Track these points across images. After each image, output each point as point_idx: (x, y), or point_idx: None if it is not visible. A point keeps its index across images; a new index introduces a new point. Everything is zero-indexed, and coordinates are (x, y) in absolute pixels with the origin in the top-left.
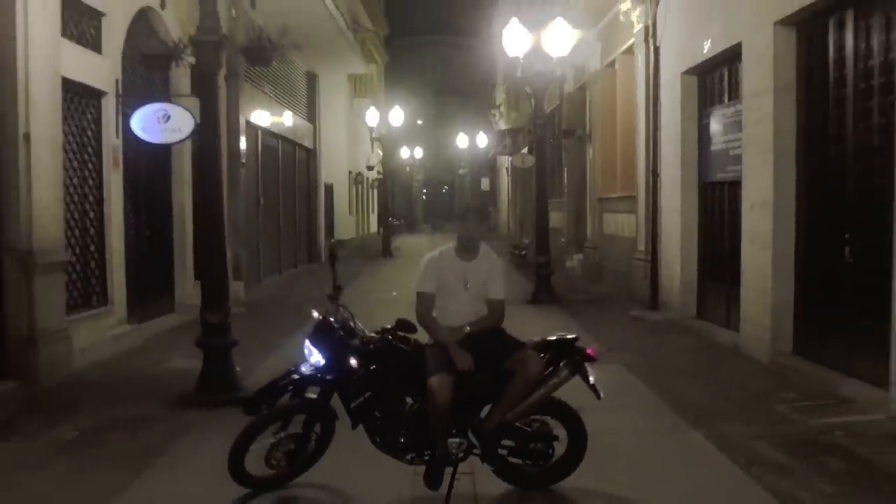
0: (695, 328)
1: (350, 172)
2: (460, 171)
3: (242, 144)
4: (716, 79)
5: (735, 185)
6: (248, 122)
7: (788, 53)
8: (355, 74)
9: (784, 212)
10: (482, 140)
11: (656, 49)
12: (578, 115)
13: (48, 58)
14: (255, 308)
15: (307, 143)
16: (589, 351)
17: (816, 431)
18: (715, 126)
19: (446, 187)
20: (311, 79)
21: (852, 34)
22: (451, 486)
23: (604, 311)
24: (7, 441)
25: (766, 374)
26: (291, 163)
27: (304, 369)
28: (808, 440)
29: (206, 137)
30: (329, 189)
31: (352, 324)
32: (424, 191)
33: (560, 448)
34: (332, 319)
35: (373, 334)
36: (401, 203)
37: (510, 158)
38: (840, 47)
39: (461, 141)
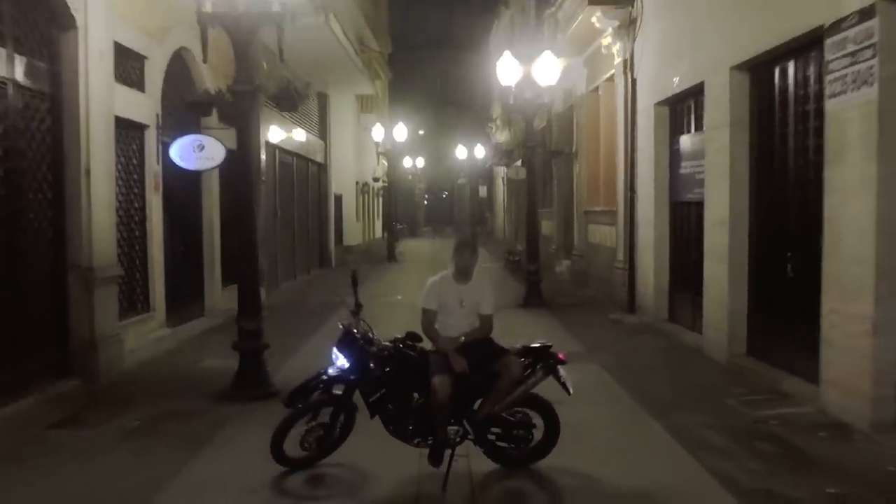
0: (665, 331)
1: (357, 182)
2: (459, 181)
3: (262, 163)
4: (684, 110)
5: (700, 205)
6: (267, 142)
7: (742, 94)
8: (362, 94)
9: (739, 231)
10: (480, 151)
11: (633, 81)
12: (567, 133)
13: (104, 101)
14: (275, 312)
15: (319, 158)
16: (560, 356)
17: (754, 421)
18: (683, 152)
19: (446, 193)
20: (323, 99)
21: (793, 81)
22: (449, 464)
23: (587, 314)
24: (78, 430)
25: (722, 372)
26: (305, 177)
27: (332, 371)
28: (748, 429)
29: (243, 169)
30: (338, 199)
31: (370, 334)
32: (426, 196)
33: (538, 434)
34: (354, 331)
35: (387, 343)
36: (404, 208)
37: (505, 169)
38: (783, 91)
39: (460, 152)
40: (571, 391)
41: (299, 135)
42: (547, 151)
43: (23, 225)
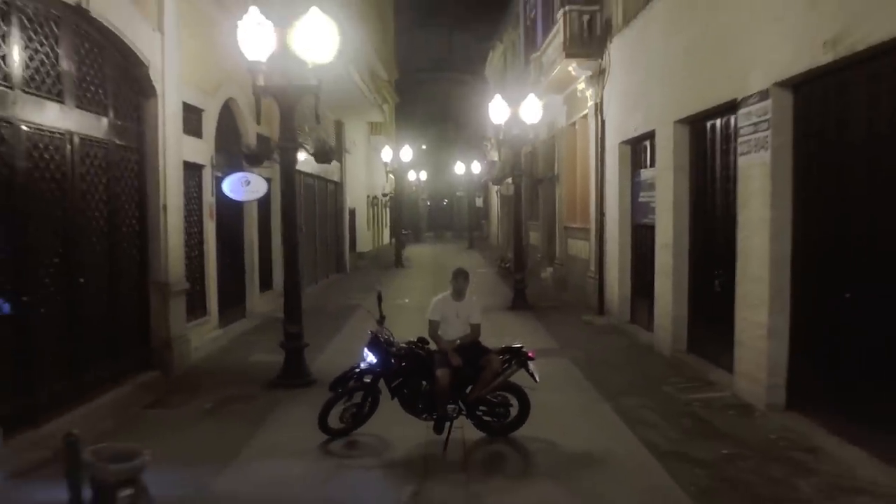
0: (627, 331)
1: (368, 196)
2: (458, 194)
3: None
4: (642, 149)
5: (653, 229)
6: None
7: (683, 143)
8: (373, 121)
9: (680, 253)
10: (476, 167)
11: (602, 122)
12: (550, 158)
13: (176, 150)
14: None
15: (335, 178)
16: (530, 354)
17: (683, 403)
18: (641, 183)
19: (446, 201)
20: (339, 126)
21: (720, 136)
22: (448, 433)
23: (564, 315)
24: (166, 410)
25: (667, 365)
26: (324, 195)
27: (363, 365)
28: (677, 409)
29: (287, 202)
30: (352, 212)
31: (391, 339)
32: (428, 203)
33: (514, 412)
34: (379, 336)
35: (403, 345)
36: (408, 215)
37: (498, 186)
38: (713, 143)
39: (459, 168)
40: (538, 379)
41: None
42: (532, 179)
43: (119, 253)
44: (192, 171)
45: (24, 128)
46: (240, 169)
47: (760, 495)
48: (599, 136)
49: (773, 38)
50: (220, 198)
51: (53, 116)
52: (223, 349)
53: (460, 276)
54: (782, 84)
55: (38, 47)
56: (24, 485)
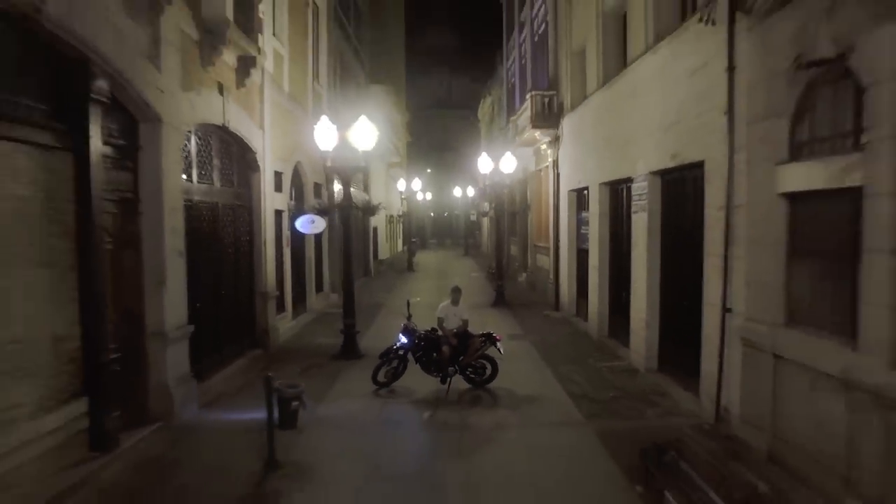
0: (573, 322)
1: (387, 215)
2: (455, 213)
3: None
4: (584, 196)
5: (587, 253)
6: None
7: (605, 198)
8: (393, 161)
9: (603, 272)
10: (470, 191)
11: (558, 174)
12: (524, 193)
13: (270, 204)
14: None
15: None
16: (497, 337)
17: (597, 369)
18: (582, 220)
19: (447, 213)
20: (366, 166)
21: (626, 196)
22: (448, 384)
23: (531, 311)
24: (273, 373)
25: (594, 345)
26: (357, 220)
27: (398, 344)
28: (591, 372)
29: (346, 239)
30: (375, 230)
31: (415, 328)
32: (432, 213)
33: (489, 372)
34: (408, 326)
35: (422, 331)
36: (417, 225)
37: (488, 206)
38: (621, 200)
39: (457, 192)
40: (502, 352)
41: (355, 193)
42: (511, 207)
43: (240, 273)
44: (277, 215)
45: (195, 200)
46: (303, 210)
47: (622, 415)
48: (555, 184)
49: (648, 146)
50: (292, 232)
51: (209, 193)
52: (296, 335)
53: (456, 291)
54: (654, 173)
55: (202, 152)
56: (212, 410)
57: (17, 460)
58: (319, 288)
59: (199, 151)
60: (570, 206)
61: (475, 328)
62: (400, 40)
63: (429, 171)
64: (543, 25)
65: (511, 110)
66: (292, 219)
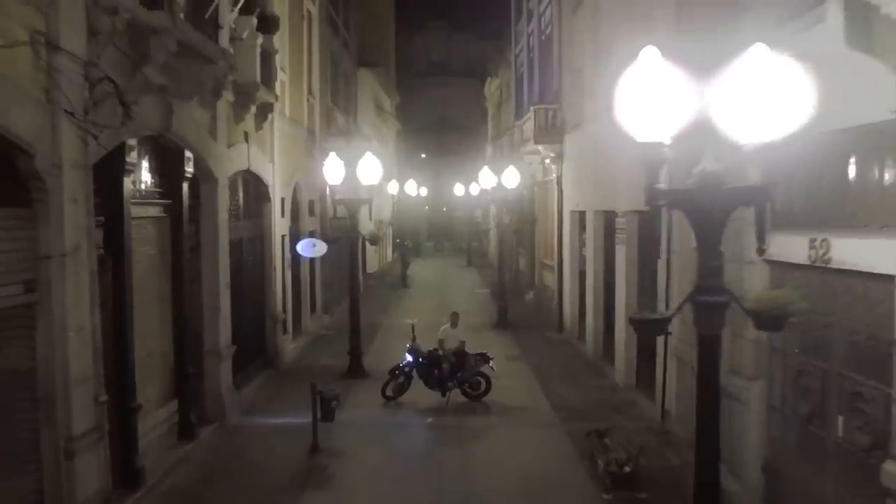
0: (573, 343)
1: (375, 221)
2: (457, 214)
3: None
4: (584, 219)
5: (586, 274)
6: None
7: (600, 225)
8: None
9: (598, 295)
10: (474, 188)
11: (561, 191)
12: (531, 204)
13: (279, 230)
14: (340, 332)
15: None
16: (490, 355)
17: (584, 387)
18: (582, 242)
19: (445, 207)
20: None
21: (614, 224)
22: (448, 397)
23: (533, 332)
24: (288, 388)
25: (587, 366)
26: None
27: (403, 362)
28: (579, 390)
29: (352, 263)
30: (363, 238)
31: (420, 347)
32: (427, 208)
33: (483, 388)
34: (414, 345)
35: (426, 350)
36: (410, 224)
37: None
38: (611, 230)
39: (458, 190)
40: (495, 369)
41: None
42: (520, 217)
43: (256, 296)
44: (281, 240)
45: (230, 237)
46: (300, 232)
47: (591, 419)
48: (559, 201)
49: (624, 188)
50: (293, 254)
51: (236, 229)
52: (300, 355)
53: (455, 316)
54: (632, 210)
55: (233, 196)
56: (252, 416)
57: (148, 441)
58: (313, 309)
59: (230, 195)
60: (572, 227)
61: (474, 348)
62: (389, 10)
63: (423, 155)
64: (549, 28)
65: (519, 105)
66: (292, 242)
